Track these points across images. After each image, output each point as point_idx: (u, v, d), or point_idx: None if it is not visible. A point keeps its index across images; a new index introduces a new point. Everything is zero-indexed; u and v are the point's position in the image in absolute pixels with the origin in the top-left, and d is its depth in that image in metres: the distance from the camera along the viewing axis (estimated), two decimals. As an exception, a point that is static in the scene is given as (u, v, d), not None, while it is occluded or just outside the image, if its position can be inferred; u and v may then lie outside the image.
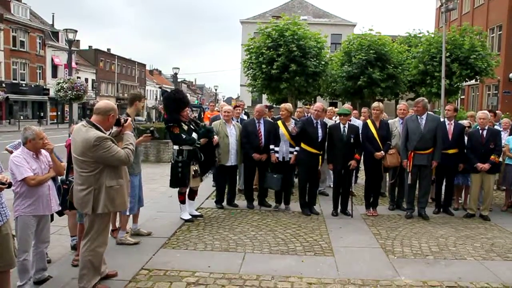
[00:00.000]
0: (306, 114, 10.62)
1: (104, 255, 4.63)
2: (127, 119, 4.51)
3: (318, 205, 8.09)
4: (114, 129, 4.49)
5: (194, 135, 6.77)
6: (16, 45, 41.91)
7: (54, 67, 48.35)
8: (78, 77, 31.16)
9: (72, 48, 18.96)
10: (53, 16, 54.65)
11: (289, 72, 22.07)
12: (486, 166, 7.34)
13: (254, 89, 25.94)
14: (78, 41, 52.77)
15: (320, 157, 7.54)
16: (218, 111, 9.88)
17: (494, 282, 4.81)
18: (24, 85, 42.96)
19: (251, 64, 23.68)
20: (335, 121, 8.67)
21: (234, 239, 6.14)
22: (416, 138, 7.30)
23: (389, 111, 10.39)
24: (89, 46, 60.79)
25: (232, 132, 7.81)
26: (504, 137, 8.31)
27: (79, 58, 54.36)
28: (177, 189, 7.01)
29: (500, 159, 7.70)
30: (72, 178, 4.47)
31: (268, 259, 5.38)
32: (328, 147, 7.62)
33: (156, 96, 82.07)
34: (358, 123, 8.78)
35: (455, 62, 23.20)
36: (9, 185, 3.80)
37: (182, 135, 6.64)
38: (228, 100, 50.86)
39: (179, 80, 54.37)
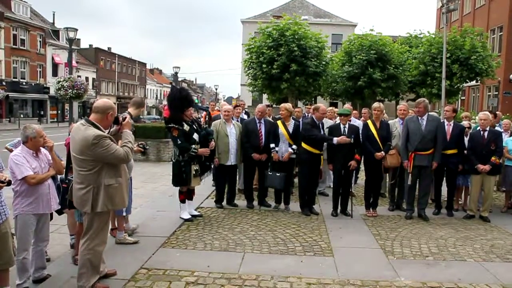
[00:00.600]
0: (306, 114, 10.64)
1: (104, 254, 4.63)
2: (125, 117, 4.50)
3: (318, 205, 8.09)
4: (114, 127, 4.48)
5: (195, 135, 6.76)
6: (17, 44, 41.94)
7: (55, 66, 48.34)
8: (79, 76, 31.23)
9: (73, 47, 18.95)
10: (53, 14, 54.54)
11: (289, 72, 22.08)
12: (487, 167, 7.33)
13: (255, 89, 25.96)
14: (78, 39, 52.77)
15: (322, 157, 7.54)
16: (219, 111, 9.87)
17: (494, 283, 4.81)
18: (24, 83, 42.97)
19: (251, 64, 23.68)
20: (335, 121, 8.66)
21: (233, 239, 6.14)
22: (417, 139, 7.29)
23: (389, 111, 10.38)
24: (90, 45, 60.78)
25: (232, 132, 7.80)
26: (505, 138, 8.30)
27: (80, 56, 54.35)
28: (178, 188, 7.01)
29: (500, 161, 7.69)
30: (72, 177, 4.46)
31: (268, 259, 5.38)
32: (328, 147, 7.62)
33: (157, 95, 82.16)
34: (358, 123, 8.78)
35: (456, 63, 23.21)
36: (8, 183, 3.80)
37: (179, 140, 6.62)
38: (229, 100, 50.72)
39: (179, 79, 54.31)
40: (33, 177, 4.42)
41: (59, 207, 4.95)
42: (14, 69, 41.91)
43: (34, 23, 44.85)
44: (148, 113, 66.50)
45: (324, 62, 23.29)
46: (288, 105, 8.13)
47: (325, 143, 7.60)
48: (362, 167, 8.19)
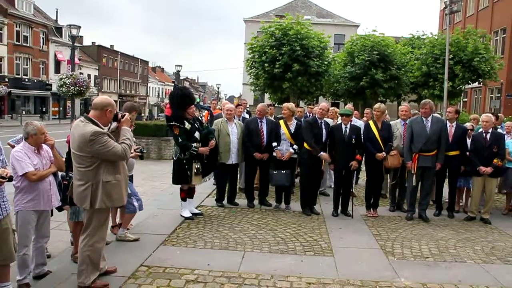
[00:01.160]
0: (308, 114, 10.62)
1: (104, 251, 4.64)
2: (124, 115, 4.50)
3: (319, 205, 8.09)
4: (113, 124, 4.48)
5: (197, 134, 6.75)
6: (20, 40, 42.01)
7: (57, 63, 48.40)
8: (81, 73, 31.26)
9: (75, 44, 18.98)
10: (56, 11, 55.04)
11: (291, 72, 22.06)
12: (489, 169, 7.31)
13: (257, 88, 25.94)
14: (81, 37, 52.75)
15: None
16: (220, 110, 9.87)
17: (494, 285, 4.81)
18: (26, 80, 43.06)
19: (253, 63, 23.66)
20: (336, 121, 8.66)
21: (234, 237, 6.14)
22: (422, 140, 7.28)
23: (391, 112, 10.39)
24: (92, 42, 60.86)
25: (234, 131, 7.80)
26: (507, 140, 8.27)
27: (82, 54, 54.38)
28: (179, 186, 7.01)
29: (502, 163, 7.67)
30: (72, 174, 4.47)
31: (268, 258, 5.38)
32: (329, 147, 7.62)
33: (158, 94, 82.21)
34: (360, 123, 8.77)
35: (458, 64, 23.19)
36: (10, 179, 3.80)
37: (180, 138, 6.62)
38: (230, 99, 50.85)
39: (181, 77, 54.33)
40: (34, 173, 4.43)
41: (60, 204, 4.96)
42: (17, 66, 41.98)
43: (37, 20, 44.92)
44: (150, 112, 66.60)
45: (326, 62, 23.26)
46: (291, 104, 8.12)
47: (327, 144, 7.59)
48: (363, 167, 8.17)
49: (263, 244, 5.91)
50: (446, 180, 8.00)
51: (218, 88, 70.64)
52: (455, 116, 7.91)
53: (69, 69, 30.21)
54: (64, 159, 4.96)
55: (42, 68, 46.15)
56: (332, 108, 9.65)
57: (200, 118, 7.43)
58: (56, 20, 51.23)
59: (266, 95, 28.15)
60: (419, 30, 55.67)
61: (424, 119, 7.42)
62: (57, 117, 46.81)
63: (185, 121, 6.65)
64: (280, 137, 7.71)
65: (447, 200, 8.06)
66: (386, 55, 24.47)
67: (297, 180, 8.85)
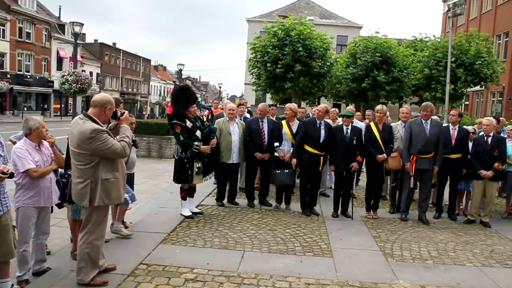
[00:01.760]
0: (310, 115, 10.63)
1: (103, 249, 4.65)
2: (123, 112, 4.50)
3: (319, 206, 8.09)
4: (112, 122, 4.49)
5: (198, 133, 6.75)
6: (22, 37, 42.01)
7: (59, 60, 48.40)
8: (83, 70, 31.16)
9: (78, 41, 18.96)
10: (59, 8, 54.74)
11: (293, 72, 22.06)
12: (490, 173, 7.31)
13: (258, 88, 25.94)
14: (84, 34, 52.77)
15: (322, 158, 7.53)
16: (222, 109, 9.88)
17: (493, 288, 4.81)
18: (28, 76, 43.06)
19: (256, 63, 23.67)
20: (337, 123, 8.66)
21: (233, 237, 6.15)
22: (421, 142, 7.30)
23: (393, 114, 10.37)
24: (95, 40, 60.86)
25: (235, 130, 7.80)
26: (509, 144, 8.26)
27: (85, 51, 54.43)
28: (180, 185, 7.01)
29: (503, 167, 7.66)
30: (71, 172, 4.47)
31: (267, 258, 5.38)
32: (330, 148, 7.62)
33: (160, 92, 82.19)
34: (361, 125, 8.77)
35: (461, 67, 23.18)
36: (11, 175, 3.80)
37: (181, 136, 6.62)
38: (232, 98, 50.85)
39: (183, 76, 54.36)
40: (35, 170, 4.43)
41: (59, 201, 4.96)
42: (19, 62, 41.98)
43: (40, 16, 44.94)
44: (152, 110, 66.60)
45: (328, 63, 23.26)
46: (293, 105, 8.13)
47: (327, 145, 7.59)
48: (363, 169, 8.17)
49: (262, 244, 5.91)
50: (448, 183, 7.99)
51: (220, 87, 70.67)
52: (458, 119, 7.93)
53: (71, 66, 30.22)
54: (64, 157, 4.97)
55: (44, 65, 46.16)
56: (333, 109, 9.66)
57: (202, 117, 7.44)
58: (59, 17, 51.25)
59: (268, 95, 28.15)
60: (422, 33, 55.09)
61: (423, 121, 7.44)
62: (59, 114, 46.85)
63: (186, 120, 6.65)
64: (282, 137, 7.71)
65: (447, 203, 8.06)
66: (389, 57, 24.46)
67: (297, 180, 8.84)
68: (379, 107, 7.76)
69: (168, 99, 8.48)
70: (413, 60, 26.56)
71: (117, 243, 5.68)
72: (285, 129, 7.72)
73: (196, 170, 6.78)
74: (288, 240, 6.12)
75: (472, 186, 7.79)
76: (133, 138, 5.85)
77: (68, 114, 44.31)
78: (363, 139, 7.55)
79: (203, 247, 5.70)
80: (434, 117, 8.13)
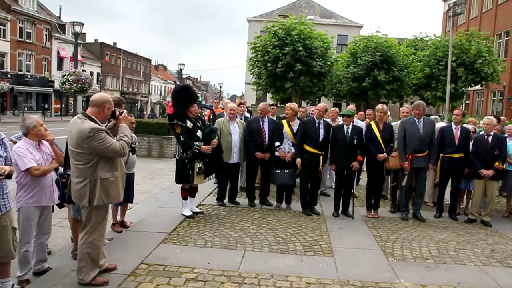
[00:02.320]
0: (310, 114, 10.62)
1: (104, 249, 4.65)
2: (122, 112, 4.50)
3: (319, 206, 8.08)
4: (111, 121, 4.48)
5: (199, 133, 6.75)
6: (23, 37, 42.05)
7: (60, 60, 48.46)
8: (84, 70, 31.19)
9: (78, 41, 18.98)
10: (60, 8, 54.93)
11: (294, 72, 22.06)
12: (490, 172, 7.31)
13: (259, 88, 25.93)
14: (84, 34, 52.86)
15: (322, 157, 7.52)
16: (222, 109, 9.87)
17: (494, 288, 4.81)
18: (29, 76, 43.09)
19: (256, 62, 23.67)
20: (337, 122, 8.65)
21: (234, 236, 6.14)
22: (416, 141, 7.33)
23: (393, 113, 10.35)
24: (95, 40, 60.89)
25: (236, 130, 7.80)
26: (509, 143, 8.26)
27: (85, 51, 54.45)
28: (181, 184, 7.01)
29: (504, 166, 7.66)
30: (70, 172, 4.46)
31: (268, 258, 5.38)
32: (331, 147, 7.62)
33: (161, 92, 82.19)
34: (361, 124, 8.76)
35: (461, 66, 23.18)
36: (8, 176, 3.77)
37: (182, 137, 6.61)
38: (233, 98, 50.96)
39: (184, 76, 54.35)
40: (36, 168, 4.43)
41: (59, 201, 4.95)
42: (20, 62, 42.02)
43: (41, 16, 44.97)
44: (152, 110, 66.62)
45: (329, 63, 23.25)
46: (294, 104, 8.12)
47: (327, 144, 7.59)
48: (364, 168, 8.17)
49: (263, 243, 5.91)
50: (450, 182, 7.98)
51: (220, 87, 70.61)
52: (462, 119, 7.96)
53: (71, 66, 30.21)
54: (64, 155, 4.96)
55: (45, 64, 46.19)
56: (333, 108, 9.65)
57: (203, 117, 7.43)
58: (60, 17, 51.29)
59: (268, 95, 28.15)
60: (422, 32, 55.54)
61: (416, 120, 7.48)
62: (59, 114, 46.87)
63: (187, 120, 6.65)
64: (283, 137, 7.70)
65: (447, 203, 8.06)
66: (389, 56, 24.46)
67: (298, 180, 8.84)
68: (379, 106, 7.75)
69: (169, 98, 8.50)
70: (413, 59, 26.56)
71: (117, 243, 5.68)
72: (286, 128, 7.72)
73: (197, 170, 6.77)
74: (289, 240, 6.11)
75: (473, 185, 7.78)
76: (133, 145, 5.85)
77: (69, 114, 44.36)
78: (363, 138, 7.55)
79: (204, 246, 5.70)
80: (436, 116, 8.13)
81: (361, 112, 11.50)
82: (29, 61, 43.55)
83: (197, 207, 7.47)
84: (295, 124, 7.78)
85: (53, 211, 5.05)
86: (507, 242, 6.56)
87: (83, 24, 17.14)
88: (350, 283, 4.73)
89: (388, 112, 8.09)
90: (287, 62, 21.81)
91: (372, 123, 7.73)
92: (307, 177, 7.62)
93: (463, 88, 24.47)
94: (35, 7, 44.79)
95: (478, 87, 26.33)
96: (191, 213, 7.05)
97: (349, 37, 36.82)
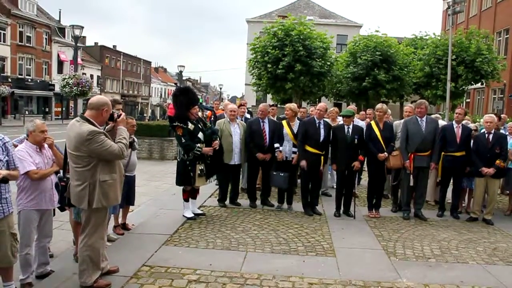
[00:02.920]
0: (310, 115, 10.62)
1: (106, 251, 4.65)
2: (120, 114, 4.50)
3: (321, 206, 8.08)
4: (109, 124, 4.48)
5: (200, 134, 6.75)
6: (23, 41, 42.08)
7: (60, 63, 48.48)
8: (84, 73, 31.30)
9: (78, 44, 19.03)
10: (59, 12, 54.94)
11: (294, 72, 22.06)
12: (491, 170, 7.30)
13: (259, 89, 25.94)
14: (84, 37, 52.89)
15: (322, 157, 7.52)
16: (223, 110, 9.88)
17: (496, 286, 4.80)
18: (29, 80, 43.12)
19: (256, 63, 23.67)
20: (337, 122, 8.65)
21: (236, 237, 6.14)
22: (418, 140, 7.33)
23: (393, 113, 10.37)
24: (95, 43, 60.95)
25: (236, 131, 7.80)
26: (510, 141, 8.25)
27: (85, 54, 54.49)
28: (182, 187, 7.01)
29: (505, 164, 7.65)
30: (69, 175, 4.45)
31: (270, 259, 5.38)
32: (332, 147, 7.61)
33: (161, 94, 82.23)
34: (361, 124, 8.76)
35: (461, 65, 23.17)
36: (3, 180, 3.74)
37: (183, 139, 6.61)
38: (233, 99, 51.04)
39: (184, 78, 54.38)
40: (35, 172, 4.43)
41: (59, 204, 4.94)
42: (20, 66, 42.05)
43: (40, 20, 45.00)
44: (153, 112, 66.67)
45: (329, 63, 23.25)
46: (293, 105, 8.12)
47: (328, 144, 7.59)
48: (365, 168, 8.17)
49: (265, 244, 5.91)
50: (452, 181, 7.97)
51: (220, 88, 70.68)
52: (463, 118, 7.96)
53: (71, 69, 30.30)
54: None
55: (45, 68, 46.21)
56: (332, 108, 9.65)
57: (204, 118, 7.43)
58: (59, 21, 51.34)
59: (269, 96, 28.16)
60: (422, 31, 55.61)
61: (419, 119, 7.48)
62: (60, 117, 46.82)
63: (188, 122, 6.64)
64: (283, 138, 7.70)
65: (449, 201, 8.05)
66: (389, 55, 24.45)
67: (299, 180, 8.84)
68: (379, 106, 7.76)
69: (169, 100, 8.51)
70: (413, 58, 26.55)
71: (119, 245, 5.69)
72: (286, 129, 7.71)
73: (199, 172, 6.76)
74: (291, 240, 6.11)
75: (474, 183, 7.77)
76: (131, 140, 5.84)
77: (70, 117, 44.30)
78: (364, 138, 7.55)
79: (206, 248, 5.70)
80: (437, 114, 8.14)
81: (362, 112, 11.49)
82: (30, 65, 43.59)
83: (198, 208, 7.46)
84: (295, 125, 7.78)
85: (54, 215, 5.05)
86: (509, 240, 6.55)
87: (82, 27, 17.19)
88: (352, 283, 4.73)
89: (389, 111, 8.10)
90: (287, 62, 21.81)
91: (372, 122, 7.73)
92: (308, 177, 7.62)
93: (464, 87, 24.46)
94: (34, 11, 44.84)
95: (479, 85, 26.34)
96: (193, 215, 7.05)
97: (348, 37, 36.78)
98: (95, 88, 44.45)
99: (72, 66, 33.15)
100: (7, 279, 4.10)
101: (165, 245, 5.73)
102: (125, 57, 65.80)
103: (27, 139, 4.58)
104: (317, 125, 7.49)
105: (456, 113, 8.04)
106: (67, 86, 15.48)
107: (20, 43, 41.56)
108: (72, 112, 39.52)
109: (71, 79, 15.52)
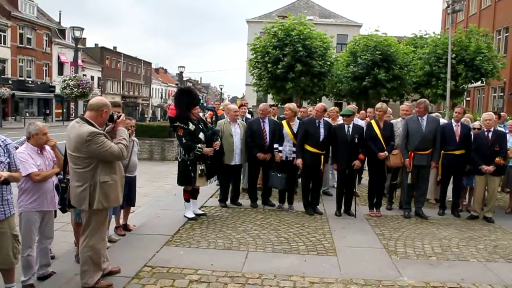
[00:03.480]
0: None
1: (107, 252, 4.66)
2: (120, 115, 4.51)
3: (322, 205, 8.09)
4: (109, 125, 4.49)
5: (201, 135, 6.76)
6: (23, 42, 42.12)
7: (60, 65, 48.53)
8: (84, 75, 31.31)
9: (79, 46, 19.05)
10: (60, 13, 54.71)
11: (294, 72, 22.09)
12: (491, 168, 7.30)
13: (260, 89, 25.96)
14: (84, 39, 52.86)
15: (323, 157, 7.52)
16: (223, 110, 9.89)
17: (497, 284, 4.81)
18: (30, 82, 43.13)
19: (256, 64, 23.70)
20: (337, 121, 8.66)
21: (237, 237, 6.15)
22: (418, 139, 7.34)
23: (394, 112, 10.36)
24: (95, 44, 60.94)
25: (237, 131, 7.81)
26: (510, 139, 8.25)
27: (85, 56, 54.51)
28: (183, 187, 7.02)
29: (505, 162, 7.65)
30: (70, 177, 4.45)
31: (271, 258, 5.39)
32: (332, 147, 7.62)
33: (162, 95, 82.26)
34: (361, 123, 8.77)
35: (461, 63, 23.17)
36: (4, 182, 3.75)
37: (184, 139, 6.62)
38: (233, 100, 51.13)
39: (184, 78, 54.42)
40: (37, 174, 4.45)
41: (60, 206, 4.95)
42: (20, 68, 42.08)
43: (41, 22, 45.04)
44: (153, 113, 66.70)
45: (329, 62, 23.27)
46: (293, 105, 8.13)
47: (328, 144, 7.60)
48: (365, 167, 8.18)
49: (266, 244, 5.92)
50: (452, 179, 7.98)
51: (221, 89, 70.68)
52: (463, 116, 7.97)
53: (72, 71, 30.27)
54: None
55: (46, 70, 46.24)
56: (333, 108, 9.66)
57: (205, 119, 7.44)
58: (59, 22, 51.39)
59: (269, 96, 28.17)
60: (422, 30, 55.46)
61: (419, 118, 7.49)
62: (61, 119, 46.84)
63: (189, 122, 6.65)
64: (283, 138, 7.71)
65: (450, 199, 8.05)
66: (389, 54, 24.44)
67: (299, 180, 8.84)
68: (379, 105, 7.77)
69: (170, 101, 8.55)
70: (413, 57, 26.53)
71: (120, 246, 5.70)
72: (286, 129, 7.72)
73: (199, 172, 6.77)
74: (292, 240, 6.12)
75: (475, 182, 7.78)
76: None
77: (70, 119, 44.26)
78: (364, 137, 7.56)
79: (207, 248, 5.71)
80: (437, 113, 8.14)
81: (362, 111, 11.49)
82: (30, 67, 43.62)
83: (199, 209, 7.48)
84: (295, 125, 7.78)
85: (55, 216, 5.06)
86: (510, 238, 6.56)
87: (83, 29, 17.23)
88: (354, 281, 4.74)
89: (390, 110, 8.10)
90: (287, 62, 21.83)
91: (373, 121, 7.74)
92: (309, 177, 7.63)
93: (464, 85, 24.46)
94: (35, 12, 44.89)
95: (479, 83, 26.32)
96: (194, 215, 7.06)
97: (348, 37, 36.80)
98: (95, 90, 44.45)
99: (72, 68, 33.11)
100: (9, 281, 4.11)
101: (167, 246, 5.74)
102: (125, 58, 65.84)
103: (28, 141, 4.59)
104: (317, 124, 7.49)
105: (455, 112, 8.05)
106: (67, 88, 15.52)
107: (20, 45, 41.60)
108: (73, 114, 39.60)
109: (72, 80, 15.56)
